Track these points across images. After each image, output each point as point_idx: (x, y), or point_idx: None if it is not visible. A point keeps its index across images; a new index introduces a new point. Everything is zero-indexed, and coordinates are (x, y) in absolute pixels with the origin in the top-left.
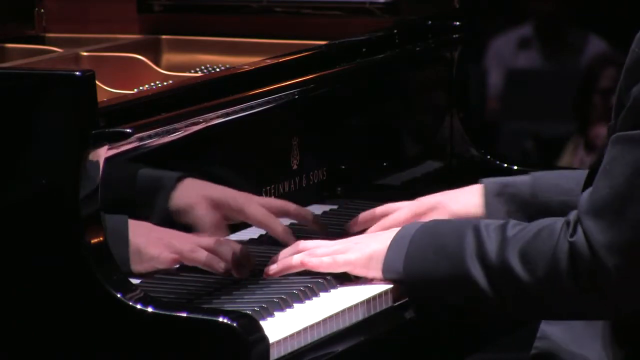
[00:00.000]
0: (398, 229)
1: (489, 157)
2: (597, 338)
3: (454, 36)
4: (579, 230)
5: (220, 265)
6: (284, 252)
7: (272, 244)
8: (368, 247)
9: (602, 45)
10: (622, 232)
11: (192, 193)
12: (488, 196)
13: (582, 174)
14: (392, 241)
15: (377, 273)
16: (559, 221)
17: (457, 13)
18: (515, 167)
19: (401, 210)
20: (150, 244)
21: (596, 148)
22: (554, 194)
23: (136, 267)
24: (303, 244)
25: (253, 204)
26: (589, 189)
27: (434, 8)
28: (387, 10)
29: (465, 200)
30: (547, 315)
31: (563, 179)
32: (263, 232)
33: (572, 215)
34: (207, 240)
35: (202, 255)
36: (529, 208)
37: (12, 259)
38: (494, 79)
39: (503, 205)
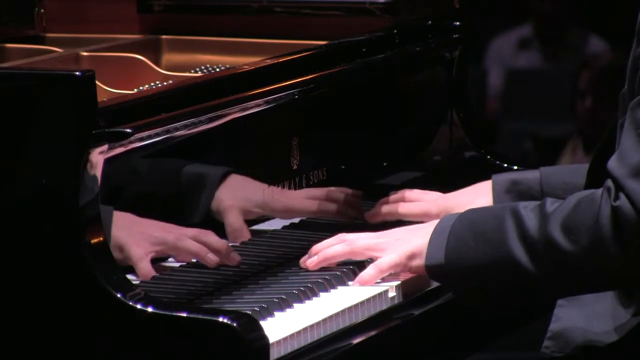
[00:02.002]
0: (435, 222)
1: (489, 157)
2: (607, 313)
3: (454, 36)
4: (621, 194)
5: (210, 257)
6: (325, 243)
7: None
8: (409, 243)
9: (602, 45)
10: None
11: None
12: (497, 193)
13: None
14: (432, 234)
15: (419, 270)
16: (597, 191)
17: (457, 13)
18: (515, 167)
19: (415, 207)
20: (133, 240)
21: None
22: (563, 190)
23: (121, 263)
24: (344, 236)
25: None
26: (617, 156)
27: (434, 8)
28: (387, 11)
29: (477, 204)
30: (592, 286)
31: (572, 175)
32: (286, 222)
33: (609, 183)
34: (192, 230)
35: (190, 244)
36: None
37: (12, 259)
38: (493, 79)
39: (512, 201)
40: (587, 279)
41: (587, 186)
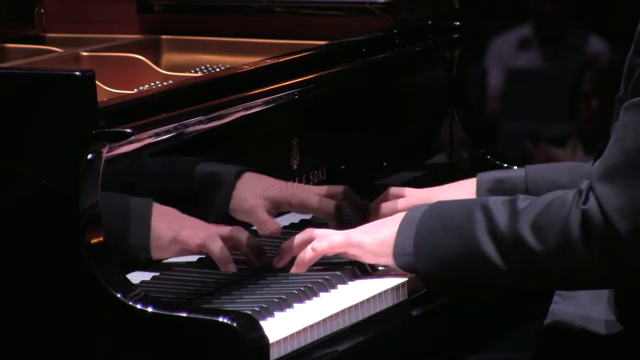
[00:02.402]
0: (403, 213)
1: (488, 157)
2: (601, 311)
3: (454, 36)
4: (591, 197)
5: (230, 267)
6: (295, 241)
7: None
8: (378, 232)
9: (602, 45)
10: (634, 196)
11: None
12: (481, 192)
13: (576, 166)
14: (400, 224)
15: (388, 259)
16: (569, 192)
17: (457, 13)
18: (515, 167)
19: (403, 202)
20: (173, 229)
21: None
22: (548, 188)
23: (157, 253)
24: (313, 232)
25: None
26: (601, 158)
27: (434, 8)
28: (387, 10)
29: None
30: (560, 285)
31: (557, 173)
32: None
33: (584, 185)
34: (224, 229)
35: (218, 247)
36: None
37: (12, 259)
38: (493, 79)
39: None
40: (554, 278)
41: None
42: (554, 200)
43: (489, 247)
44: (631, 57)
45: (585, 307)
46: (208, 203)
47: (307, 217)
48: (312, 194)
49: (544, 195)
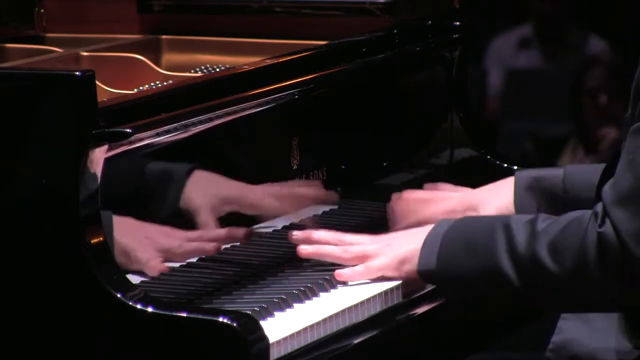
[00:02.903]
0: (429, 227)
1: (489, 157)
2: (611, 330)
3: (454, 36)
4: (607, 220)
5: (210, 247)
6: (320, 234)
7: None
8: (401, 248)
9: (602, 45)
10: None
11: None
12: (519, 189)
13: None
14: (425, 240)
15: (410, 274)
16: (586, 213)
17: (457, 13)
18: (515, 167)
19: (441, 205)
20: (137, 245)
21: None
22: (586, 190)
23: (124, 267)
24: (339, 236)
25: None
26: (611, 180)
27: (434, 8)
28: (387, 11)
29: (499, 203)
30: (576, 307)
31: (595, 174)
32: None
33: (599, 207)
34: (196, 233)
35: (191, 246)
36: (560, 202)
37: (12, 259)
38: (493, 79)
39: (533, 198)
40: (570, 299)
41: (595, 201)
42: (572, 221)
43: (507, 267)
44: (638, 78)
45: (594, 326)
46: (164, 201)
47: (308, 215)
48: (264, 195)
49: (563, 216)
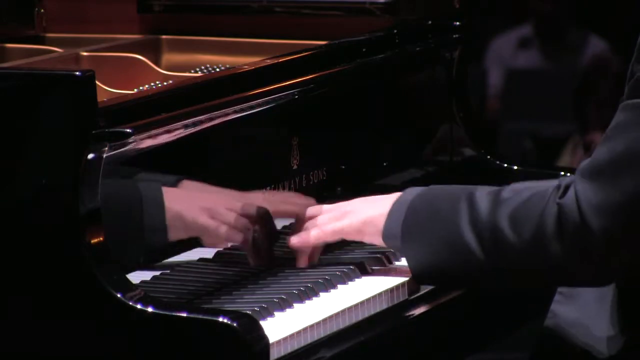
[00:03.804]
0: (395, 195)
1: (489, 157)
2: (605, 314)
3: (454, 36)
4: (570, 192)
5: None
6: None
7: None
8: (362, 212)
9: (602, 45)
10: (612, 195)
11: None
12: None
13: None
14: (391, 207)
15: (373, 238)
16: (550, 185)
17: (457, 13)
18: (515, 167)
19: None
20: (194, 210)
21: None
22: None
23: (177, 234)
24: (311, 210)
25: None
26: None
27: (434, 8)
28: (387, 10)
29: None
30: (534, 281)
31: None
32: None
33: (565, 180)
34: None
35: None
36: None
37: (12, 259)
38: (494, 79)
39: None
40: (527, 272)
41: None
42: (535, 193)
43: (469, 238)
44: (632, 64)
45: (587, 309)
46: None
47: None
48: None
49: (527, 188)
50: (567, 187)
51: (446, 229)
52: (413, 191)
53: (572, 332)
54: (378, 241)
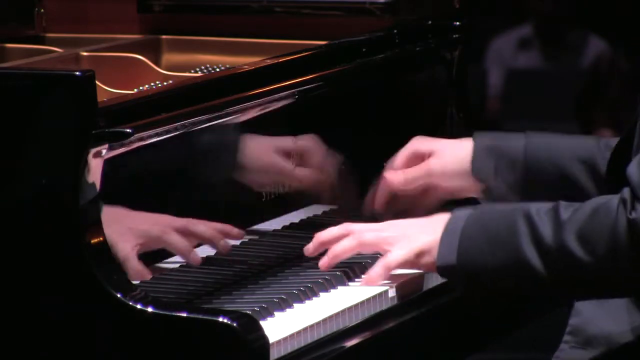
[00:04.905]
0: (445, 216)
1: None
2: (623, 309)
3: (454, 36)
4: (638, 206)
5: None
6: (330, 235)
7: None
8: (417, 240)
9: (602, 45)
10: None
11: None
12: (477, 149)
13: (577, 139)
14: (442, 234)
15: (427, 267)
16: (613, 199)
17: (457, 13)
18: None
19: (401, 153)
20: (120, 236)
21: None
22: (547, 156)
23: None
24: (346, 227)
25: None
26: (635, 161)
27: (434, 8)
28: (387, 10)
29: (454, 156)
30: (607, 294)
31: (557, 143)
32: (286, 222)
33: (626, 192)
34: (181, 221)
35: (175, 239)
36: (518, 166)
37: (11, 259)
38: (493, 79)
39: (492, 160)
40: (600, 287)
41: (607, 181)
42: (598, 207)
43: (533, 258)
44: None
45: (608, 307)
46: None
47: (308, 215)
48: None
49: (586, 203)
50: (633, 200)
51: (507, 254)
52: (462, 213)
53: (594, 325)
54: (432, 269)
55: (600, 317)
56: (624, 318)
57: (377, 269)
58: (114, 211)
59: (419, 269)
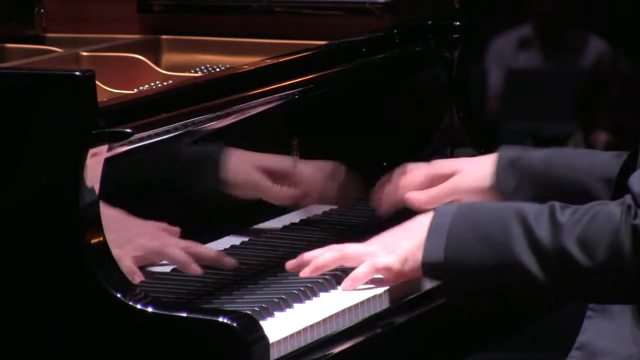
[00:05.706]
0: (422, 218)
1: None
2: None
3: (454, 36)
4: None
5: (193, 267)
6: (311, 253)
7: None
8: (401, 247)
9: (602, 45)
10: None
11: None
12: (500, 166)
13: (599, 156)
14: (428, 231)
15: (414, 272)
16: (612, 204)
17: (457, 13)
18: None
19: (418, 172)
20: (117, 242)
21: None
22: (567, 172)
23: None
24: (329, 247)
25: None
26: (637, 172)
27: (434, 8)
28: (387, 11)
29: (478, 172)
30: (606, 299)
31: (577, 158)
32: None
33: (629, 199)
34: (182, 242)
35: (176, 252)
36: (540, 183)
37: (11, 259)
38: (493, 79)
39: (514, 177)
40: (600, 291)
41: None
42: (597, 213)
43: (529, 261)
44: None
45: (616, 323)
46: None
47: (308, 216)
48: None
49: (585, 207)
50: (636, 207)
51: (499, 255)
52: (446, 212)
53: (601, 343)
54: (418, 274)
55: (608, 335)
56: (629, 334)
57: (362, 268)
58: (114, 213)
59: (405, 277)
